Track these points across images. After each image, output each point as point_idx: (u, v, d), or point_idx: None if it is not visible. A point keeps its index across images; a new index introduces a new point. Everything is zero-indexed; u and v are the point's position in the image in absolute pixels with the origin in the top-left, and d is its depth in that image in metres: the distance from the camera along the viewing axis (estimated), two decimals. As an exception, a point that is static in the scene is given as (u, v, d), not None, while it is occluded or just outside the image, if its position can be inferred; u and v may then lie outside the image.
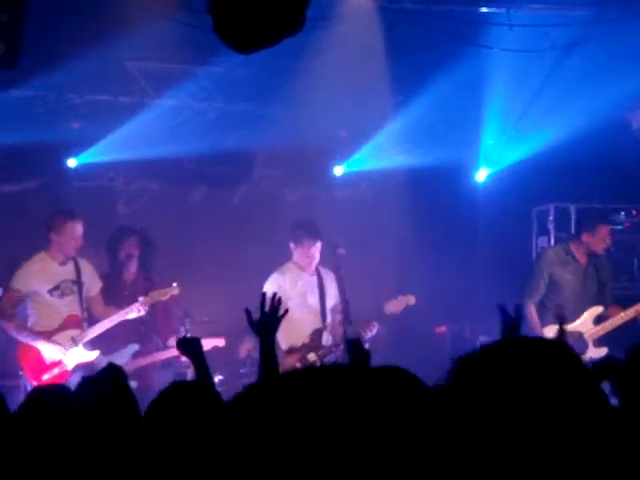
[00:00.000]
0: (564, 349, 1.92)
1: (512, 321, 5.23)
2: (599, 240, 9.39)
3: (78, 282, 9.03)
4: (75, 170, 10.98)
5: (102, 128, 10.51)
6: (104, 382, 4.30)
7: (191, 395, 3.91)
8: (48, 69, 9.45)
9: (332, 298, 9.12)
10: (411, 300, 9.05)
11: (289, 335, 8.80)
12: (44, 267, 8.94)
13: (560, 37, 9.64)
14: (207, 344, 9.05)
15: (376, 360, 8.86)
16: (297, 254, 9.17)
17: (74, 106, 10.48)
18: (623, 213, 11.15)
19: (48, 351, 8.77)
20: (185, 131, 10.75)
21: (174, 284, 9.18)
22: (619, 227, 11.04)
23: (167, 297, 9.20)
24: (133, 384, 8.80)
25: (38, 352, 8.78)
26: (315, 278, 9.18)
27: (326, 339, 9.03)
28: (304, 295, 9.12)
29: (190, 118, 10.80)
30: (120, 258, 9.59)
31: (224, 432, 1.82)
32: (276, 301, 5.39)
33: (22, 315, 9.04)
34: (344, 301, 8.64)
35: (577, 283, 9.41)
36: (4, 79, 9.51)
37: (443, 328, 10.94)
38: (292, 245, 9.19)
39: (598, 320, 9.31)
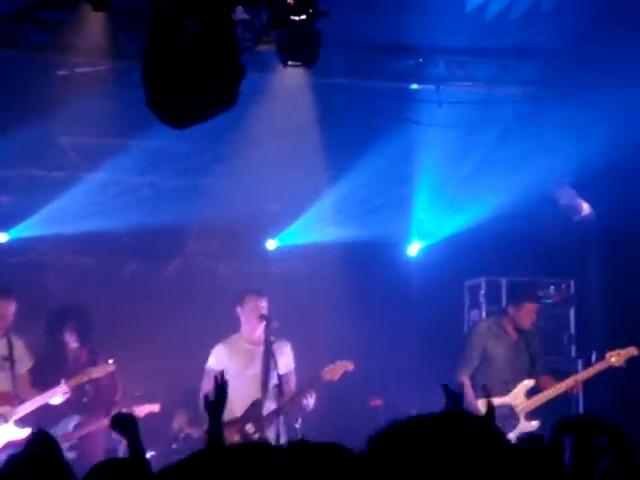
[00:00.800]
0: (486, 426, 1.92)
1: (455, 399, 5.39)
2: (525, 315, 9.52)
3: (10, 359, 8.90)
4: (6, 244, 10.87)
5: (33, 202, 10.44)
6: (33, 455, 4.24)
7: (121, 474, 3.87)
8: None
9: (283, 367, 9.00)
10: (348, 366, 9.00)
11: (229, 407, 8.70)
12: None
13: (489, 114, 9.84)
14: (142, 410, 9.00)
15: (310, 434, 8.84)
16: (243, 317, 9.09)
17: (5, 180, 10.42)
18: (553, 287, 11.27)
19: None
20: (118, 205, 10.72)
21: (110, 361, 9.09)
22: (549, 301, 11.15)
23: (102, 374, 9.10)
24: (72, 454, 8.68)
25: None
26: (261, 348, 9.09)
27: (268, 408, 8.94)
28: (245, 365, 9.03)
29: (123, 192, 10.77)
30: (61, 337, 9.52)
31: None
32: (220, 379, 5.45)
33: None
34: (278, 375, 8.60)
35: (509, 356, 9.48)
36: None
37: (378, 401, 10.91)
38: (238, 309, 9.12)
39: (530, 393, 9.37)
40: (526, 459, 1.98)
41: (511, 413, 9.20)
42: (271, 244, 11.70)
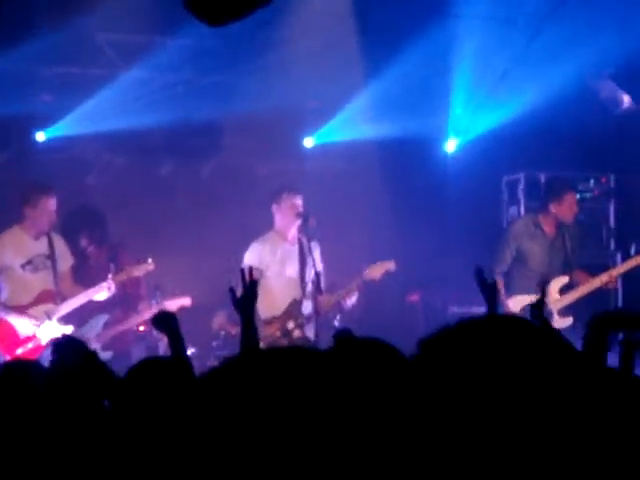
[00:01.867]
0: (541, 330, 1.91)
1: (491, 286, 5.38)
2: (566, 209, 9.35)
3: (51, 257, 8.98)
4: (44, 143, 10.90)
5: (71, 101, 10.43)
6: (73, 356, 4.30)
7: (163, 373, 3.91)
8: (15, 41, 9.35)
9: (312, 267, 9.04)
10: (391, 266, 8.98)
11: (268, 305, 8.82)
12: (17, 241, 8.88)
13: (531, 5, 9.66)
14: (173, 305, 9.08)
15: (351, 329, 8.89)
16: (279, 215, 9.11)
17: (44, 78, 10.40)
18: (592, 181, 11.20)
19: (22, 325, 8.73)
20: (154, 103, 10.67)
21: (149, 260, 9.14)
22: (588, 195, 11.10)
23: (141, 273, 9.17)
24: (108, 354, 8.82)
25: (11, 326, 8.74)
26: (296, 247, 9.16)
27: (305, 308, 9.03)
28: (283, 264, 9.10)
29: (159, 90, 10.72)
30: (76, 241, 9.63)
31: (199, 408, 1.83)
32: (252, 274, 5.42)
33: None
34: (316, 272, 8.63)
35: (544, 255, 9.41)
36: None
37: (416, 296, 10.98)
38: (274, 207, 9.14)
39: (564, 290, 9.33)
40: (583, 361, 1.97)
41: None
42: (308, 142, 11.65)
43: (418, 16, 9.65)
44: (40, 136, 10.83)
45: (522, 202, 11.20)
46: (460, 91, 10.99)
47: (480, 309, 9.27)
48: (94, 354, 4.48)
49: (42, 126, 10.80)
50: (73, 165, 11.10)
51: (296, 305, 9.01)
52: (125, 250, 9.96)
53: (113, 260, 9.49)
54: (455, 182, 11.54)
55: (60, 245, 9.12)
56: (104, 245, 9.84)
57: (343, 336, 5.01)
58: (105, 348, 9.04)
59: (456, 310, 10.51)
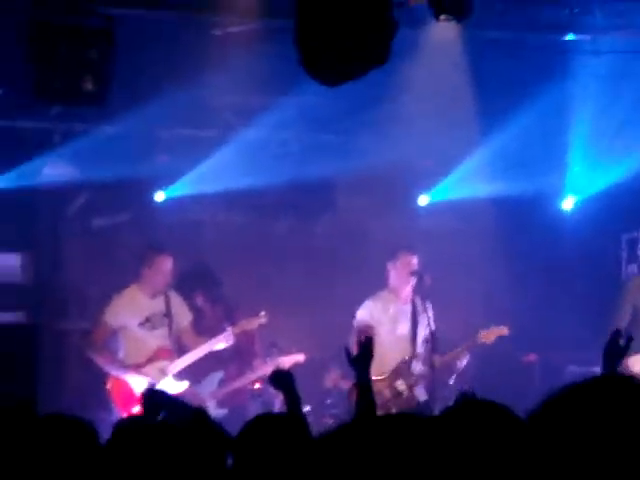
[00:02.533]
0: None
1: (619, 349, 5.24)
2: None
3: (168, 315, 9.11)
4: (163, 203, 11.11)
5: (189, 161, 10.64)
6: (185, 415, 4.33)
7: (278, 430, 3.91)
8: (136, 105, 9.61)
9: (425, 327, 9.03)
10: (504, 331, 9.03)
11: (377, 362, 8.76)
12: (134, 301, 9.05)
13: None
14: (288, 361, 9.13)
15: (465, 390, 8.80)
16: (394, 273, 9.12)
17: (161, 140, 10.64)
18: None
19: (137, 383, 8.85)
20: (269, 163, 10.82)
21: (262, 313, 9.23)
22: None
23: (255, 326, 9.25)
24: (223, 411, 8.89)
25: (127, 385, 8.87)
26: (409, 306, 9.15)
27: (415, 368, 8.98)
28: (395, 322, 9.08)
29: (274, 148, 10.88)
30: (192, 301, 9.80)
31: (313, 470, 1.83)
32: (368, 332, 5.46)
33: (113, 348, 9.17)
34: (431, 331, 8.60)
35: None
36: (94, 116, 9.70)
37: (532, 357, 10.81)
38: (390, 265, 9.16)
39: None
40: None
41: None
42: (423, 200, 11.64)
43: (535, 75, 9.62)
44: (160, 196, 11.04)
45: (641, 259, 10.98)
46: (578, 148, 10.88)
47: (599, 369, 9.12)
48: (202, 411, 4.51)
49: (161, 187, 11.02)
50: (191, 225, 11.29)
51: (406, 364, 8.96)
52: (239, 309, 10.07)
53: (228, 319, 9.60)
54: (573, 240, 11.38)
55: (177, 302, 9.25)
56: (219, 303, 9.96)
57: (466, 398, 4.94)
58: (220, 405, 9.11)
59: (575, 370, 10.31)
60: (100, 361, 8.99)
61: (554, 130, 10.65)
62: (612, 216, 11.03)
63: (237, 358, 9.61)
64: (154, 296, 9.09)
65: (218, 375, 9.25)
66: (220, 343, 9.01)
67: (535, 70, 9.59)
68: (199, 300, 9.97)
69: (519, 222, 11.33)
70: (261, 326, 9.37)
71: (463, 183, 11.12)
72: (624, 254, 11.34)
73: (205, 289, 10.01)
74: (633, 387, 1.86)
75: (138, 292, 9.08)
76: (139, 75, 9.08)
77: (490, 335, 8.95)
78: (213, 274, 10.22)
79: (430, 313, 8.85)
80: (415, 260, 9.06)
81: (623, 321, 9.15)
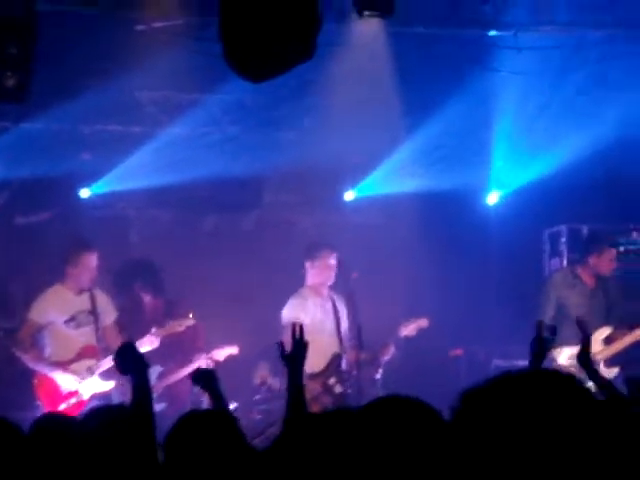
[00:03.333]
0: (575, 383, 1.88)
1: (544, 342, 5.30)
2: (605, 263, 9.38)
3: (94, 312, 9.03)
4: (88, 200, 11.02)
5: (113, 158, 10.57)
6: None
7: (207, 425, 3.90)
8: (58, 101, 9.50)
9: (345, 322, 9.11)
10: (424, 323, 9.07)
11: (310, 360, 8.79)
12: (60, 298, 8.96)
13: (570, 59, 9.68)
14: (222, 354, 9.11)
15: (390, 386, 8.87)
16: (313, 273, 9.08)
17: (85, 137, 10.55)
18: (635, 233, 11.12)
19: (64, 381, 8.77)
20: (195, 159, 10.77)
21: (190, 315, 9.18)
22: (632, 247, 11.01)
23: (182, 328, 9.21)
24: (161, 406, 8.82)
25: (54, 382, 8.78)
26: (330, 303, 9.15)
27: (344, 364, 9.00)
28: (322, 319, 9.08)
29: (200, 146, 10.83)
30: (133, 293, 9.73)
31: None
32: (299, 330, 5.43)
33: (40, 346, 9.06)
34: (357, 326, 8.62)
35: (584, 305, 9.34)
36: (15, 113, 9.58)
37: (459, 351, 10.92)
38: (308, 264, 9.09)
39: (607, 341, 9.25)
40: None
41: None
42: (349, 195, 11.69)
43: (458, 70, 9.70)
44: (84, 192, 10.95)
45: (565, 254, 11.12)
46: (501, 143, 10.99)
47: (524, 362, 9.23)
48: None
49: (85, 184, 10.93)
50: (116, 221, 11.21)
51: (337, 360, 8.98)
52: (181, 306, 10.01)
53: (170, 315, 9.53)
54: (497, 235, 11.51)
55: (102, 300, 9.16)
56: (160, 297, 9.89)
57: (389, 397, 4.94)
58: (159, 399, 9.04)
59: (500, 363, 10.43)
60: (27, 359, 8.88)
61: (478, 125, 10.75)
62: (535, 211, 11.16)
63: (179, 353, 9.53)
64: (79, 293, 8.99)
65: (157, 369, 9.17)
66: (145, 346, 8.91)
67: (458, 65, 9.67)
68: (137, 289, 9.87)
69: (444, 217, 11.42)
70: (188, 328, 9.31)
71: (388, 178, 11.19)
72: (547, 248, 11.48)
73: (143, 279, 9.91)
74: (559, 379, 1.88)
75: (63, 290, 8.98)
76: (61, 71, 8.98)
77: (411, 328, 9.02)
78: (151, 265, 10.12)
79: (348, 308, 8.88)
80: (334, 259, 9.04)
81: (547, 315, 9.30)
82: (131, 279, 9.85)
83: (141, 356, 4.99)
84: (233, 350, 9.36)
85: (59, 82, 9.14)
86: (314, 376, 8.89)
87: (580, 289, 9.40)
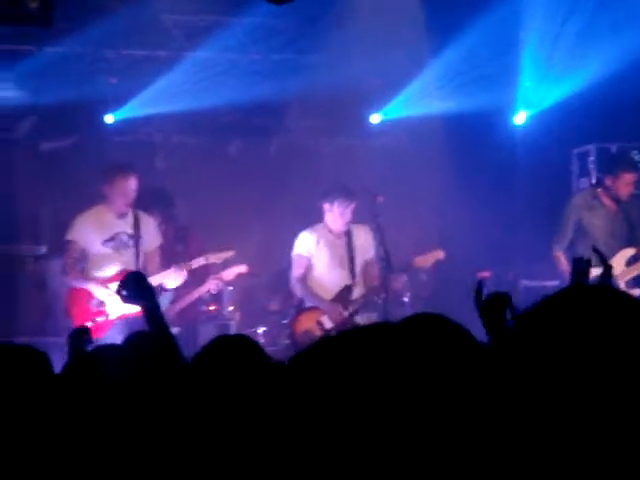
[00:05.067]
0: (625, 297, 1.85)
1: (584, 261, 5.23)
2: (622, 186, 9.24)
3: (135, 236, 8.96)
4: (113, 126, 11.00)
5: (138, 83, 10.51)
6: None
7: (236, 349, 3.92)
8: (82, 25, 9.45)
9: (366, 253, 9.08)
10: (440, 255, 9.04)
11: (319, 291, 8.95)
12: (99, 218, 8.85)
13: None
14: (231, 273, 9.13)
15: (418, 308, 8.90)
16: (330, 216, 9.05)
17: (110, 61, 10.49)
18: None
19: (99, 292, 8.69)
20: (220, 83, 10.71)
21: (230, 251, 9.12)
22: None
23: (220, 261, 9.16)
24: (174, 330, 8.87)
25: (86, 298, 8.73)
26: (343, 239, 9.14)
27: (357, 294, 9.03)
28: (332, 254, 9.09)
29: (224, 70, 10.75)
30: None
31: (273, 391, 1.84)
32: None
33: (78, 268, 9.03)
34: (385, 250, 8.61)
35: (606, 227, 9.26)
36: (39, 37, 9.53)
37: (487, 273, 10.90)
38: (326, 206, 9.06)
39: (630, 262, 9.20)
40: None
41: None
42: (375, 118, 11.61)
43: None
44: (109, 119, 10.92)
45: (593, 173, 11.04)
46: (529, 63, 10.85)
47: (552, 282, 9.22)
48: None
49: (110, 109, 10.89)
50: (141, 147, 11.20)
51: (347, 291, 9.00)
52: (194, 232, 10.02)
53: (182, 241, 9.55)
54: (525, 155, 11.43)
55: (148, 225, 9.05)
56: (172, 224, 9.89)
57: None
58: (172, 324, 9.08)
59: (527, 283, 10.43)
60: (68, 280, 8.84)
61: (505, 45, 10.60)
62: (563, 130, 11.06)
63: (190, 277, 9.52)
64: (121, 216, 8.91)
65: (168, 295, 9.19)
66: (169, 279, 8.91)
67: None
68: (156, 220, 9.87)
69: (472, 138, 11.32)
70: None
71: (415, 101, 11.09)
72: (575, 168, 11.40)
73: (162, 208, 9.88)
74: (606, 293, 1.86)
75: (105, 210, 8.87)
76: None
77: (426, 260, 9.01)
78: (167, 194, 10.11)
79: (374, 234, 8.86)
80: (350, 210, 8.99)
81: (566, 237, 9.27)
82: (147, 209, 9.85)
83: (149, 285, 4.88)
84: (242, 269, 9.32)
85: (83, 5, 9.07)
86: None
87: (601, 211, 9.30)
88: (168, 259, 9.05)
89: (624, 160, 9.73)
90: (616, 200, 9.31)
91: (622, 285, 8.99)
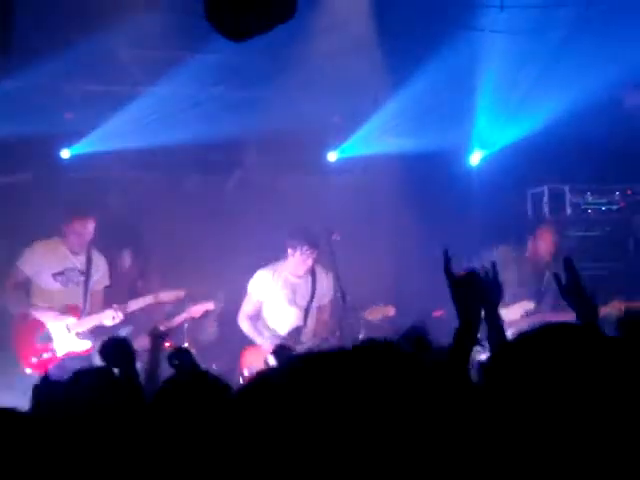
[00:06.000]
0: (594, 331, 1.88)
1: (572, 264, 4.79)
2: (542, 246, 9.43)
3: (86, 274, 8.98)
4: (68, 161, 10.94)
5: (95, 118, 10.47)
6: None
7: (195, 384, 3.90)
8: (40, 59, 9.40)
9: (323, 297, 9.18)
10: (390, 311, 9.11)
11: (270, 331, 9.01)
12: (53, 250, 8.89)
13: (553, 18, 9.64)
14: (198, 310, 9.08)
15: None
16: (292, 260, 9.09)
17: (67, 96, 10.45)
18: (618, 193, 11.14)
19: (54, 325, 8.67)
20: (178, 119, 10.70)
21: (182, 292, 9.08)
22: (615, 207, 11.04)
23: (170, 300, 9.12)
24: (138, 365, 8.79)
25: (35, 332, 8.69)
26: (306, 279, 9.18)
27: (305, 338, 9.06)
28: (289, 294, 9.13)
29: (183, 106, 10.75)
30: (116, 257, 9.72)
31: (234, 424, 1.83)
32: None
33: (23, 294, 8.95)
34: (340, 288, 8.62)
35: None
36: (-4, 69, 9.47)
37: (441, 312, 10.92)
38: (290, 251, 9.11)
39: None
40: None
41: None
42: (332, 156, 11.65)
43: (442, 30, 9.65)
44: (65, 153, 10.87)
45: (547, 214, 11.14)
46: (484, 103, 10.96)
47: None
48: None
49: (66, 144, 10.84)
50: (97, 183, 11.13)
51: (297, 332, 9.08)
52: (154, 269, 9.98)
53: (142, 277, 9.51)
54: (479, 194, 11.50)
55: (99, 265, 9.12)
56: (138, 262, 9.89)
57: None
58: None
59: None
60: (10, 301, 8.78)
61: (461, 85, 10.70)
62: (517, 171, 11.16)
63: (148, 312, 9.47)
64: (75, 253, 8.95)
65: (126, 329, 9.13)
66: (107, 319, 8.85)
67: (443, 24, 9.61)
68: (126, 259, 9.85)
69: (427, 177, 11.39)
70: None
71: (371, 139, 11.16)
72: (529, 208, 11.49)
73: (134, 248, 9.90)
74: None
75: (60, 244, 8.93)
76: (42, 29, 8.89)
77: (376, 313, 9.08)
78: (140, 232, 10.11)
79: (334, 271, 8.88)
80: (311, 259, 9.03)
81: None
82: (121, 244, 9.84)
83: (129, 350, 4.94)
84: (209, 306, 9.31)
85: (40, 39, 9.04)
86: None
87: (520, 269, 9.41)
88: (130, 295, 9.04)
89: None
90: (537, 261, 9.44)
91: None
